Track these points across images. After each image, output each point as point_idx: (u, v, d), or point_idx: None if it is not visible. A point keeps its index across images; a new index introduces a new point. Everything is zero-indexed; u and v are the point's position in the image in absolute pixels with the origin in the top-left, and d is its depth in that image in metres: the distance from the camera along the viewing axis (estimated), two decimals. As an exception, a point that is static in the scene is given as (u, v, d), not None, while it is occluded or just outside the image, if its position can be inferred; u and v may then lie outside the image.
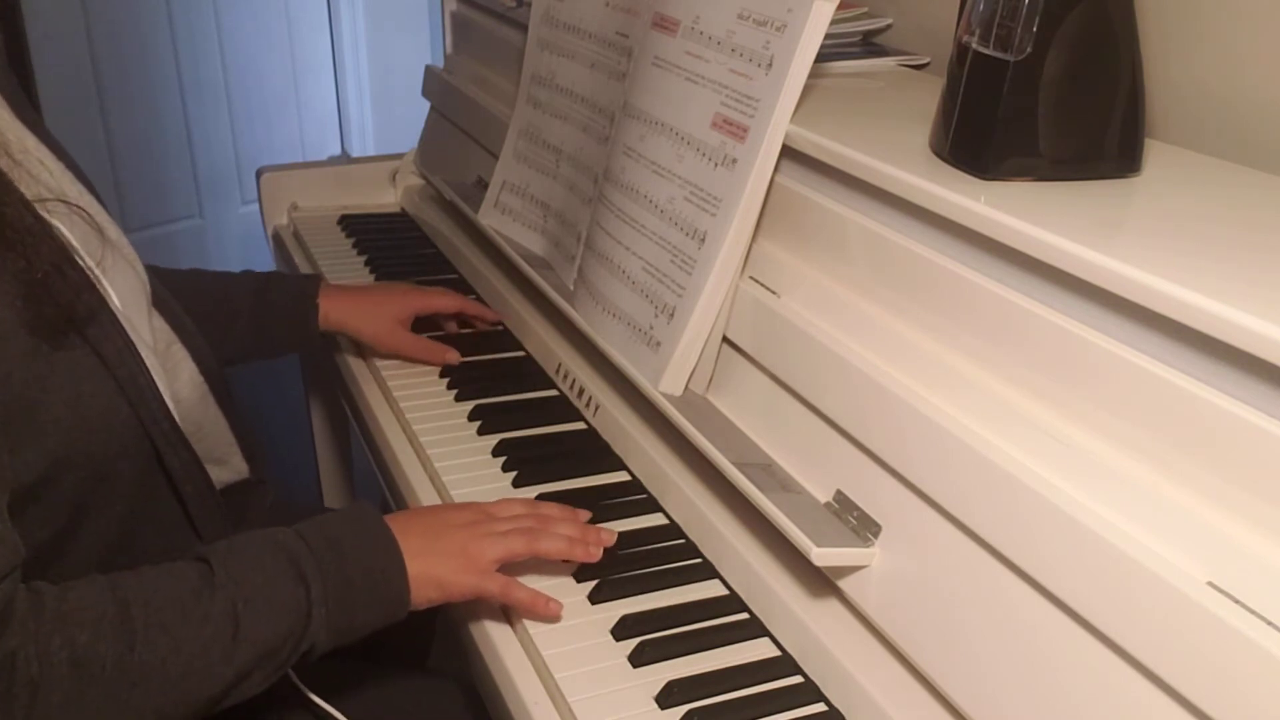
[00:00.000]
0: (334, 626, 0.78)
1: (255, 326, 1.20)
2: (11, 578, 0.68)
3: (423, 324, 1.28)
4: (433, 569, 0.82)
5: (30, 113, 0.90)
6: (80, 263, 0.81)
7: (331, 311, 1.22)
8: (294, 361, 1.70)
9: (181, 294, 1.02)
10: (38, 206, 0.79)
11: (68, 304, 0.77)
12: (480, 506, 0.90)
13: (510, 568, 0.86)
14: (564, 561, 0.89)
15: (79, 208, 0.84)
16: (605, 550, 0.90)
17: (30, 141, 0.86)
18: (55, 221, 0.81)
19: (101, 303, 0.81)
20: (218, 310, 1.17)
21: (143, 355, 0.83)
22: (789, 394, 0.88)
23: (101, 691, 0.69)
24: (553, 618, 0.84)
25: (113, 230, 0.89)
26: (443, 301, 1.28)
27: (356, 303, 1.24)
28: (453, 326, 1.32)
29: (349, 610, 0.79)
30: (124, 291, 0.87)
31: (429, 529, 0.85)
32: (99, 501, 0.81)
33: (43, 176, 0.84)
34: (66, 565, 0.80)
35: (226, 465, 1.03)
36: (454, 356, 1.22)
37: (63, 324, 0.76)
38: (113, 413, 0.80)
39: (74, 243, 0.82)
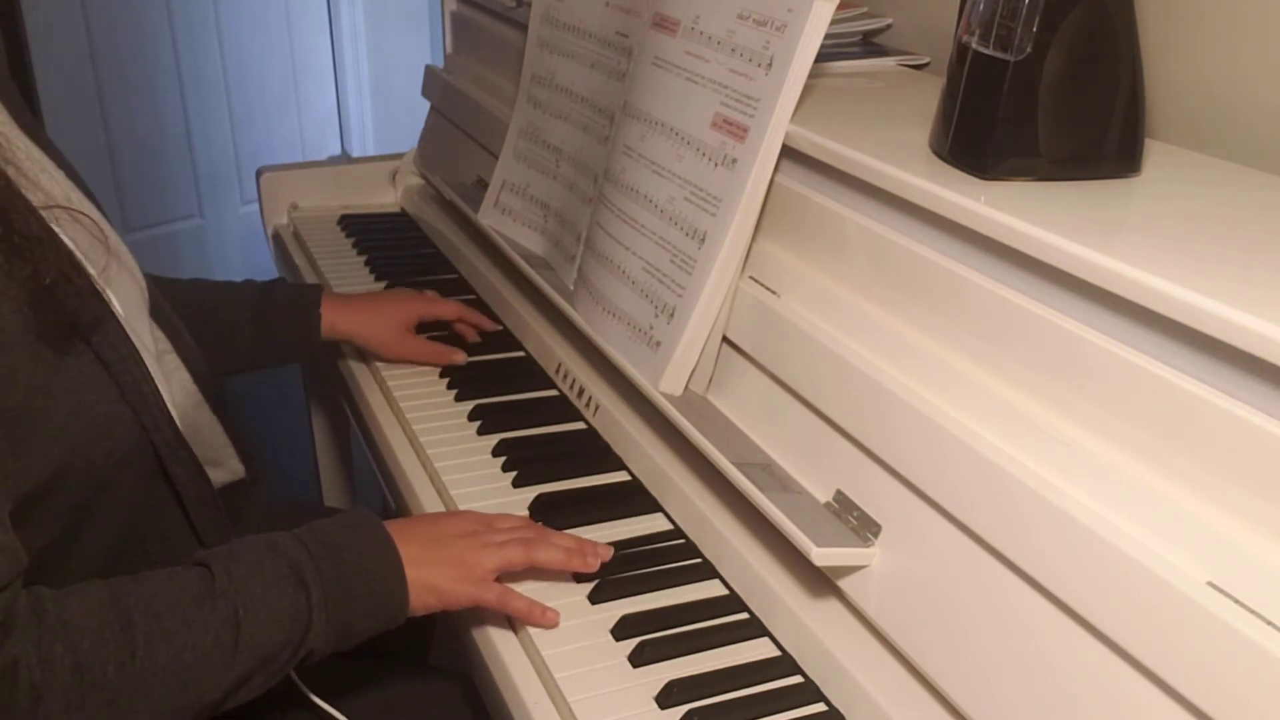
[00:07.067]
0: (333, 631, 0.78)
1: (258, 337, 1.19)
2: (13, 586, 0.68)
3: (423, 326, 1.28)
4: (431, 577, 0.83)
5: (30, 119, 0.90)
6: (86, 270, 0.81)
7: (338, 321, 1.22)
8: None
9: (182, 304, 1.02)
10: (44, 214, 0.79)
11: (74, 311, 0.77)
12: (480, 516, 0.90)
13: (510, 573, 0.86)
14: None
15: (84, 214, 0.84)
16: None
17: (35, 151, 0.86)
18: (60, 229, 0.81)
19: (106, 310, 0.81)
20: (220, 321, 1.16)
21: (145, 362, 0.83)
22: (789, 394, 0.88)
23: (103, 698, 0.69)
24: (549, 625, 0.84)
25: (114, 238, 0.89)
26: (445, 308, 1.28)
27: (361, 311, 1.24)
28: (461, 328, 1.32)
29: (348, 616, 0.79)
30: (125, 299, 0.87)
31: (428, 538, 0.85)
32: (100, 508, 0.81)
33: (47, 184, 0.84)
34: (67, 571, 0.80)
35: (223, 467, 1.03)
36: (460, 357, 1.23)
37: (68, 331, 0.76)
38: (116, 420, 0.80)
39: (79, 250, 0.82)
